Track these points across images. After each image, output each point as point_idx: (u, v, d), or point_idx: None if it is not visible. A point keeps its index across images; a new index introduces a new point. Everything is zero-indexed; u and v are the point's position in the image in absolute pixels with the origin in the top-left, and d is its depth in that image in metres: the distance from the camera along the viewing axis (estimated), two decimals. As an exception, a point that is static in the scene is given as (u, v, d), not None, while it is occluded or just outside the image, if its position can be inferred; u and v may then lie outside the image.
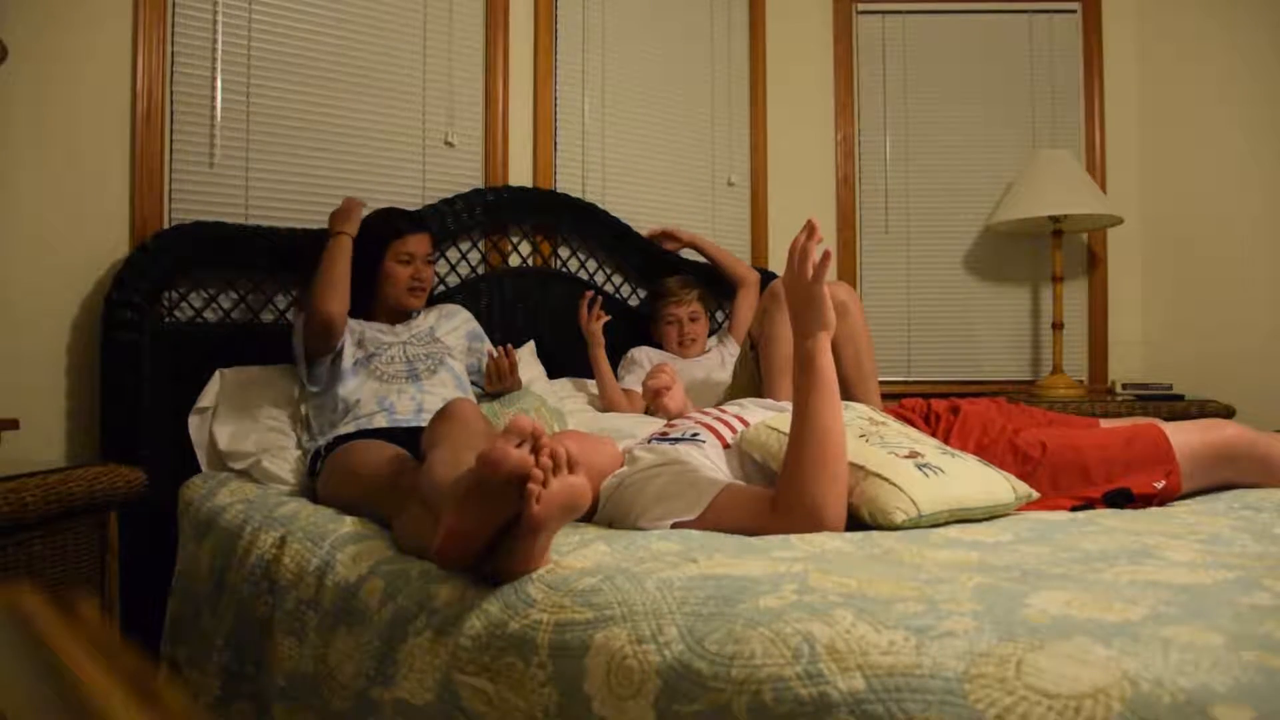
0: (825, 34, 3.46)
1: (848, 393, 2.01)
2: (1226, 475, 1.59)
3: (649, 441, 1.57)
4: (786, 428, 1.44)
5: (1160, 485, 1.53)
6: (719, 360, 2.83)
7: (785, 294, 1.39)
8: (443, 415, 1.63)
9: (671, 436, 1.57)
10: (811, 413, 1.31)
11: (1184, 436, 1.59)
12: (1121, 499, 1.53)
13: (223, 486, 1.87)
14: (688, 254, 3.10)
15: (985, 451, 1.64)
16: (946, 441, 1.70)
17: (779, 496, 1.30)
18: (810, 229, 1.35)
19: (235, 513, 1.73)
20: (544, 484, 1.02)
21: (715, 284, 3.07)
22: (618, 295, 3.00)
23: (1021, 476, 1.52)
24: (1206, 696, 0.63)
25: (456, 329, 2.35)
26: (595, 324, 2.67)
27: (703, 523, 1.30)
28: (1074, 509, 1.50)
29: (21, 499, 1.48)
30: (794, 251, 1.36)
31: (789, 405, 1.83)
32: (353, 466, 1.75)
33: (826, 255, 1.33)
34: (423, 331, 2.24)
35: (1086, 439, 1.62)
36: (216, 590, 1.64)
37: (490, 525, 1.09)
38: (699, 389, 2.61)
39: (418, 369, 2.12)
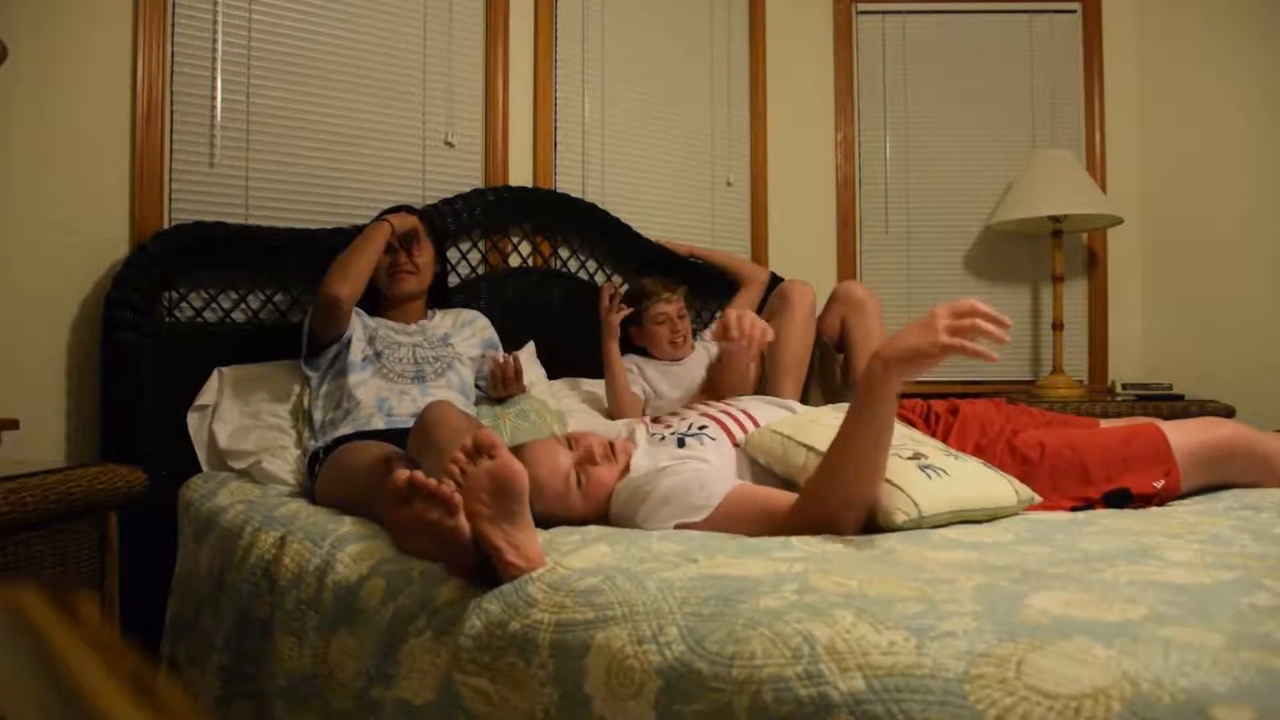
0: (825, 34, 3.46)
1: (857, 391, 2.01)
2: (1224, 474, 1.59)
3: (651, 435, 1.57)
4: (791, 432, 1.44)
5: (1160, 484, 1.53)
6: (708, 359, 2.75)
7: (911, 327, 1.25)
8: (420, 425, 1.63)
9: (677, 434, 1.56)
10: (860, 441, 1.25)
11: (1182, 436, 1.59)
12: (1121, 499, 1.53)
13: (223, 487, 1.87)
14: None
15: (984, 452, 1.63)
16: (945, 442, 1.70)
17: (800, 503, 1.28)
18: (999, 323, 1.20)
19: (235, 513, 1.73)
20: (453, 500, 1.09)
21: (705, 283, 3.04)
22: (618, 295, 2.99)
23: (1020, 477, 1.51)
24: (1206, 697, 0.63)
25: (473, 336, 2.32)
26: (616, 315, 2.52)
27: (710, 524, 1.30)
28: (1074, 509, 1.51)
29: (21, 499, 1.48)
30: (966, 312, 1.20)
31: (793, 405, 1.83)
32: (349, 468, 1.76)
33: (965, 347, 1.19)
34: (436, 336, 2.22)
35: (1085, 439, 1.62)
36: (216, 590, 1.65)
37: (447, 547, 1.13)
38: (698, 390, 2.59)
39: (425, 371, 2.11)
